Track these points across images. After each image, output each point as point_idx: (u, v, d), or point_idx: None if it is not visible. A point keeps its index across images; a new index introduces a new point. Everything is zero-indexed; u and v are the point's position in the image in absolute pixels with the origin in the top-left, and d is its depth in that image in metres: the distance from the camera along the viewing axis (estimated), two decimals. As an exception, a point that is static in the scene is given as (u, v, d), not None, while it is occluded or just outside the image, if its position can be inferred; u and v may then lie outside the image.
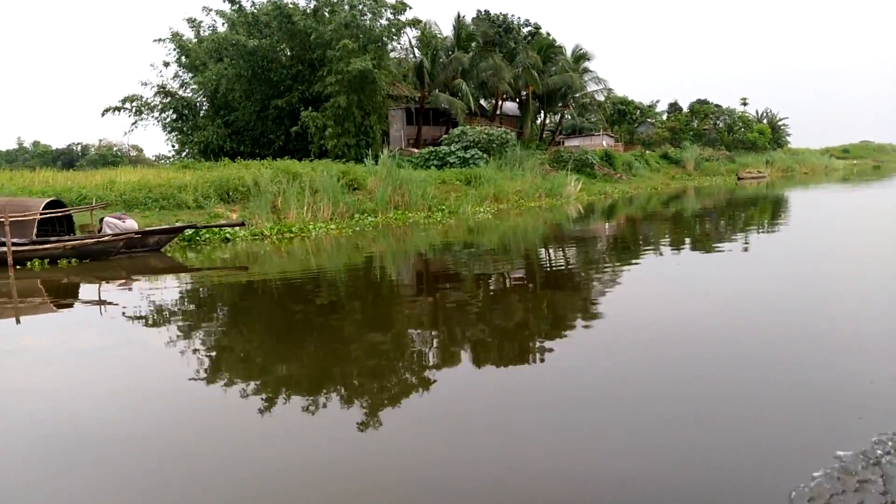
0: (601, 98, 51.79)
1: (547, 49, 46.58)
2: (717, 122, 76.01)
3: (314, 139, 35.13)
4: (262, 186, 20.32)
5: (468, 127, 34.10)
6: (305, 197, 19.42)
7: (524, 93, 46.95)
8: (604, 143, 63.00)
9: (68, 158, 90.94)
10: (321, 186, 20.06)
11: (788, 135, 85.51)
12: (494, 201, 26.83)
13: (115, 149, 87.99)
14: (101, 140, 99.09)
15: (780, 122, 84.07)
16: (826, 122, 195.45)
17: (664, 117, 77.46)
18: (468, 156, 31.90)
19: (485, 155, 32.08)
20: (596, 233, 17.21)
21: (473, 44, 43.71)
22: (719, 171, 60.77)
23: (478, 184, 27.33)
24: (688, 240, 14.21)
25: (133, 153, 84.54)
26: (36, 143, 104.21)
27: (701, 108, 75.35)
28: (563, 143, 65.55)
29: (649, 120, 77.52)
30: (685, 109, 77.82)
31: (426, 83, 39.39)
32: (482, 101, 48.49)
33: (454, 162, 31.73)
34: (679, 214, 22.72)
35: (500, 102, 47.04)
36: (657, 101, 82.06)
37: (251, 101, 37.59)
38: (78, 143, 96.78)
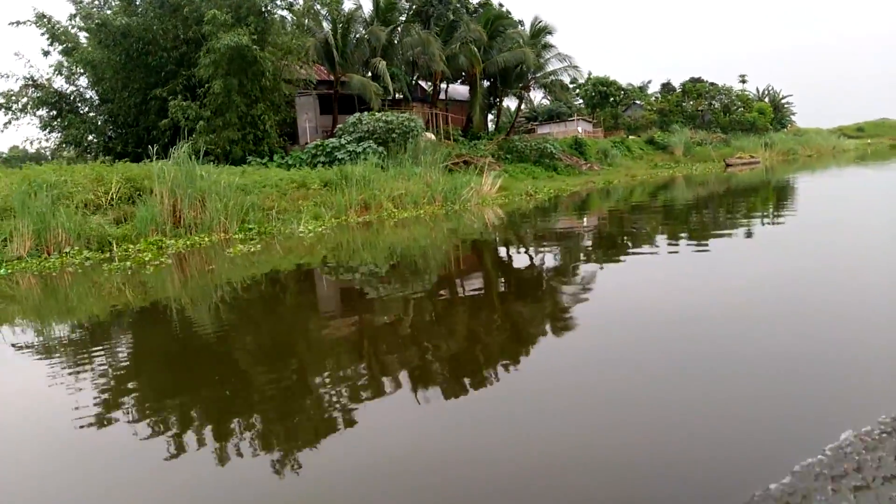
0: (565, 78, 44.00)
1: (495, 21, 38.92)
2: (713, 102, 67.85)
3: (194, 135, 28.19)
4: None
5: (367, 114, 26.81)
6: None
7: (474, 74, 39.44)
8: (579, 129, 55.46)
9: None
10: (18, 205, 13.01)
11: (793, 114, 77.05)
12: (363, 210, 19.65)
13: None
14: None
15: (782, 101, 75.55)
16: (840, 101, 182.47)
17: (657, 99, 69.56)
18: (360, 150, 24.70)
19: (381, 148, 24.84)
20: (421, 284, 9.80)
21: (403, 17, 36.45)
22: (711, 157, 52.88)
23: (346, 186, 20.15)
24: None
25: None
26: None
27: (694, 88, 67.18)
28: (536, 130, 58.15)
29: (637, 102, 69.74)
30: (678, 90, 69.77)
31: (337, 63, 32.18)
32: (423, 84, 41.20)
33: (343, 158, 24.54)
34: (586, 234, 15.33)
35: (440, 85, 39.66)
36: (649, 82, 74.36)
37: (129, 90, 30.69)
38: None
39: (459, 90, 43.51)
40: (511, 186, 25.91)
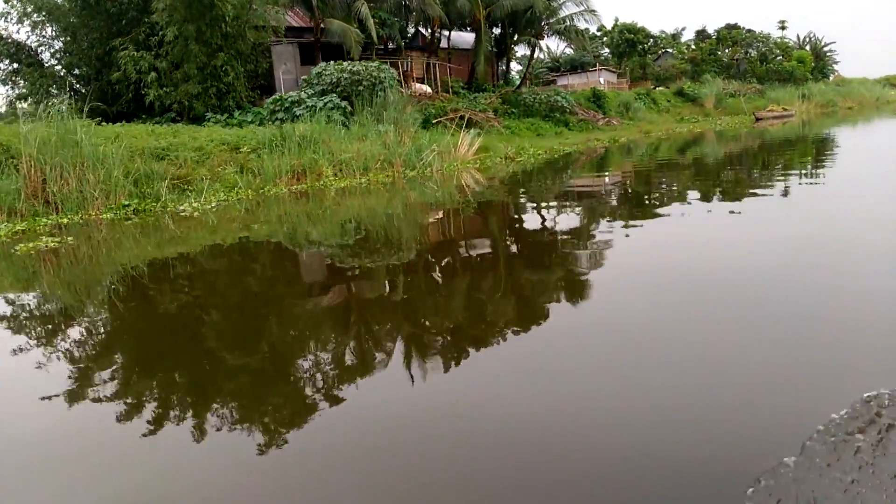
0: (581, 24, 39.48)
1: (499, -41, 34.54)
2: (749, 50, 62.26)
3: (150, 89, 25.06)
4: None
5: (333, 64, 23.16)
6: None
7: (478, 19, 35.23)
8: (601, 79, 50.91)
9: None
10: None
11: (836, 62, 70.73)
12: (299, 177, 16.25)
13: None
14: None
15: (825, 49, 69.29)
16: (889, 48, 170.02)
17: (689, 48, 64.06)
18: (321, 104, 21.18)
19: (344, 103, 21.29)
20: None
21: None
22: (742, 110, 47.96)
23: (285, 148, 16.74)
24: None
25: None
26: None
27: (729, 35, 61.62)
28: (556, 81, 53.67)
29: (669, 51, 64.48)
30: (713, 37, 64.12)
31: (315, 6, 28.44)
32: (424, 32, 37.10)
33: (302, 114, 21.06)
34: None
35: (440, 32, 35.63)
36: (682, 30, 68.76)
37: (89, 41, 27.58)
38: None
39: (466, 38, 39.31)
40: (493, 147, 22.04)
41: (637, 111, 44.15)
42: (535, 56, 43.55)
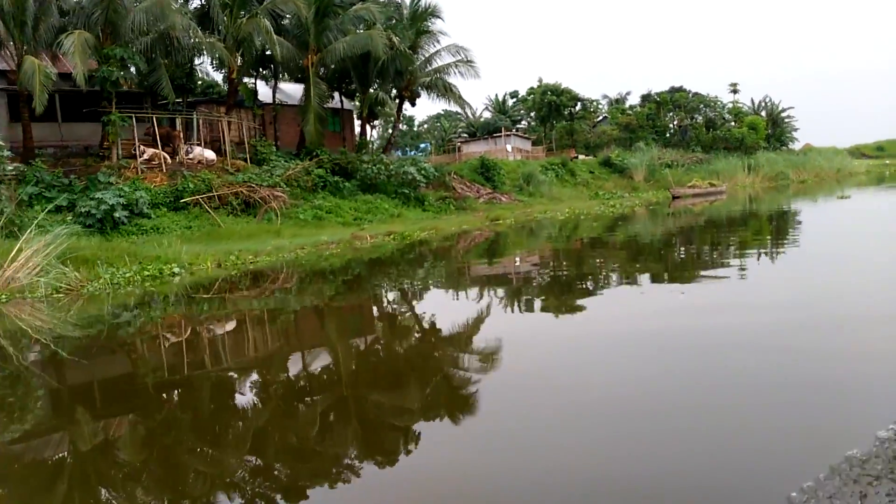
0: (456, 77, 30.49)
1: (327, -7, 25.49)
2: (695, 116, 53.63)
3: None
4: None
5: None
6: None
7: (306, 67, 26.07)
8: (508, 147, 41.79)
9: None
10: None
11: (795, 129, 62.06)
12: None
13: None
14: None
15: (782, 114, 60.59)
16: (860, 118, 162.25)
17: (624, 113, 55.29)
18: None
19: None
20: None
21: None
22: (670, 183, 38.69)
23: None
24: None
25: None
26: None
27: (671, 99, 52.95)
28: (462, 149, 44.59)
29: (608, 116, 55.83)
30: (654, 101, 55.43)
31: (9, 40, 19.29)
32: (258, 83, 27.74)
33: None
34: None
35: (254, 83, 26.57)
36: (627, 94, 60.10)
37: None
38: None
39: (293, 90, 30.19)
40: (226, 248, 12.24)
41: (540, 184, 34.87)
42: (399, 117, 34.19)
